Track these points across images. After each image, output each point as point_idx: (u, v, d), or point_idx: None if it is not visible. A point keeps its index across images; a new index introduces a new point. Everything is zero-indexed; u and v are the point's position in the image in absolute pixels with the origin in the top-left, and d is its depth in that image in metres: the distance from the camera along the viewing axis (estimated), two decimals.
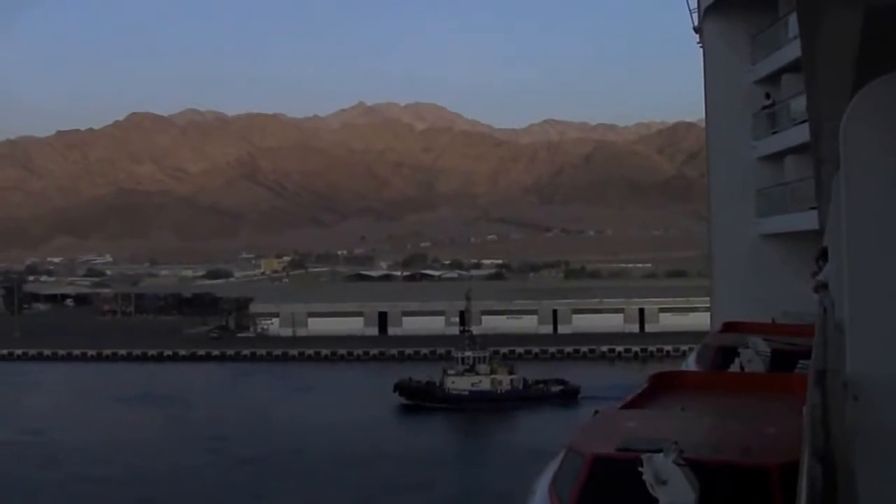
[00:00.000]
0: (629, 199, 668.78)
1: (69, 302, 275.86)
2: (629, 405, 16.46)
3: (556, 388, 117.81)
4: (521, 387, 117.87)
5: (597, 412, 15.26)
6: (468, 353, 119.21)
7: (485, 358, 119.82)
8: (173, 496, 75.80)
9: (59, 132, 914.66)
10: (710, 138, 42.03)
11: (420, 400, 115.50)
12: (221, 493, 76.45)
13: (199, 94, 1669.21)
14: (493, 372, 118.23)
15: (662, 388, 17.94)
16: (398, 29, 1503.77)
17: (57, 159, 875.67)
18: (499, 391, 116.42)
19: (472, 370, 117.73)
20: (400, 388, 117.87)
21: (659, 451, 10.66)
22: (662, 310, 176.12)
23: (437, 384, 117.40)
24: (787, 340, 22.00)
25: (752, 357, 20.61)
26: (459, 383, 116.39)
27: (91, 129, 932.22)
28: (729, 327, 27.61)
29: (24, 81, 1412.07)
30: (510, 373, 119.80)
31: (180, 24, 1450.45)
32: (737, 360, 20.81)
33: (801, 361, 18.50)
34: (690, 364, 24.37)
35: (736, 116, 39.23)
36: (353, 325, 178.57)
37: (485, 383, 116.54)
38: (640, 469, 10.48)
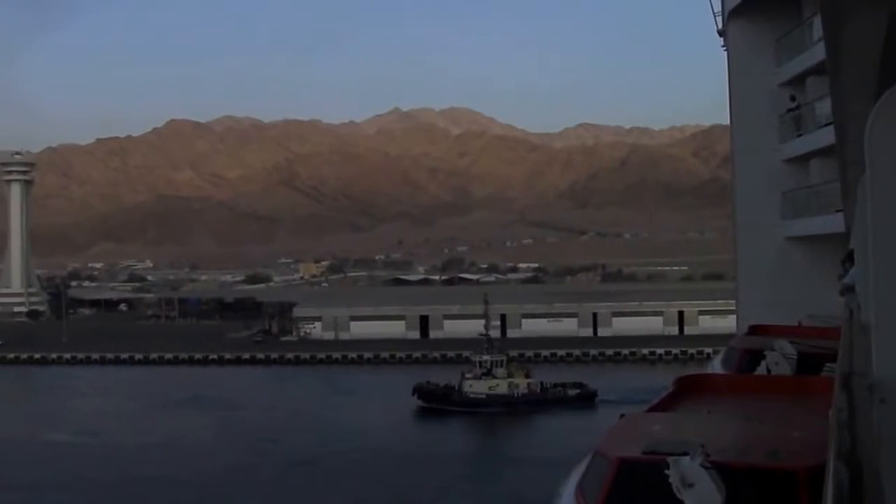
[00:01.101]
0: (664, 202, 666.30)
1: (123, 306, 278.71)
2: (655, 408, 16.39)
3: (573, 392, 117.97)
4: (538, 390, 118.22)
5: (623, 415, 15.17)
6: (486, 357, 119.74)
7: (502, 362, 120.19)
8: (231, 496, 77.75)
9: (98, 139, 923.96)
10: (735, 141, 41.90)
11: (438, 403, 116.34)
12: (278, 493, 78.35)
13: (237, 101, 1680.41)
14: (510, 376, 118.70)
15: (688, 391, 17.89)
16: (433, 34, 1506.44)
17: (97, 166, 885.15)
18: (516, 395, 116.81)
19: (489, 374, 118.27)
20: (418, 391, 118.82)
21: (685, 454, 10.70)
22: (702, 312, 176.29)
23: (455, 388, 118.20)
24: (814, 343, 21.80)
25: (779, 360, 20.58)
26: (477, 387, 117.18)
27: (130, 137, 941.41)
28: (755, 330, 27.43)
29: (64, 89, 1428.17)
30: (527, 376, 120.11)
31: (216, 31, 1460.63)
32: (763, 363, 20.81)
33: (828, 364, 18.50)
34: (716, 367, 24.16)
35: (761, 119, 39.17)
36: (395, 329, 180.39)
37: (502, 387, 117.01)
38: (666, 472, 10.52)
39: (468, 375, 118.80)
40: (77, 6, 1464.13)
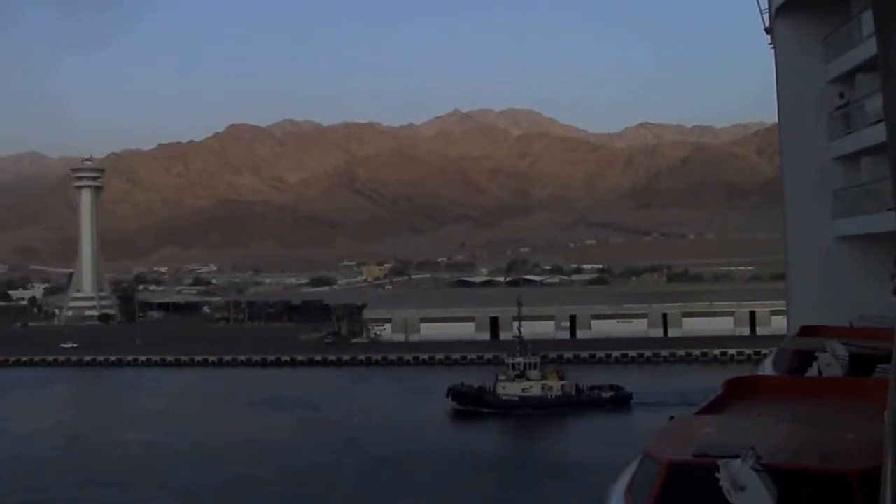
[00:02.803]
0: (728, 201, 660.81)
1: (206, 309, 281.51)
2: (704, 410, 16.07)
3: (607, 395, 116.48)
4: (573, 392, 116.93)
5: (672, 418, 14.89)
6: (519, 359, 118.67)
7: (535, 364, 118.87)
8: (320, 494, 78.36)
9: (160, 145, 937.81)
10: (783, 140, 40.69)
11: (471, 405, 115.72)
12: (366, 491, 78.89)
13: (296, 105, 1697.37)
14: (544, 377, 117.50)
15: (738, 393, 17.52)
16: (492, 36, 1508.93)
17: (160, 171, 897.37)
18: (549, 397, 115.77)
19: (522, 376, 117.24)
20: (453, 393, 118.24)
21: (736, 456, 10.56)
22: (774, 312, 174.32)
23: (489, 389, 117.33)
24: (866, 344, 21.08)
25: (830, 361, 20.09)
26: (510, 389, 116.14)
27: (192, 142, 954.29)
28: (806, 331, 26.45)
29: (127, 96, 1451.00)
30: (561, 378, 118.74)
31: (276, 36, 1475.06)
32: (814, 365, 20.43)
33: (880, 365, 18.24)
34: (767, 368, 23.54)
35: (810, 117, 38.11)
36: (465, 331, 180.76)
37: (535, 389, 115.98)
38: (716, 475, 10.41)
39: (501, 377, 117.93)
40: (137, 15, 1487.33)
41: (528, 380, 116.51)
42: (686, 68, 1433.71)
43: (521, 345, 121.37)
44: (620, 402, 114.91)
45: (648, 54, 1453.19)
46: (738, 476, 10.28)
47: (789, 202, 39.72)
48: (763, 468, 10.38)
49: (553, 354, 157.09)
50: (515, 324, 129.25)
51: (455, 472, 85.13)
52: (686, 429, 13.68)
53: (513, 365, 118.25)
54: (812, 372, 20.25)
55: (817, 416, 14.99)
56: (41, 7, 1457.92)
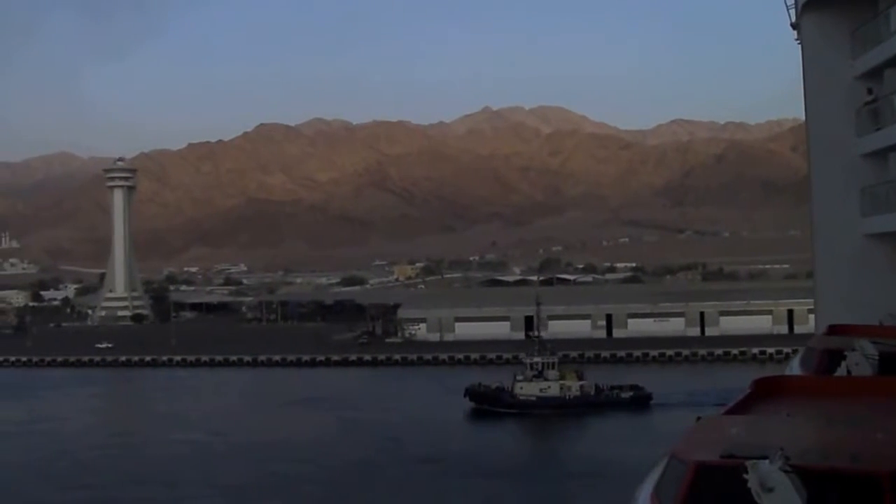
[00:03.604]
0: (763, 199, 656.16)
1: (244, 309, 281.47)
2: (732, 411, 15.92)
3: (626, 395, 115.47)
4: (591, 392, 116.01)
5: (699, 418, 14.67)
6: (537, 359, 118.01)
7: (553, 364, 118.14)
8: (363, 493, 78.22)
9: (190, 144, 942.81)
10: (810, 136, 39.94)
11: (489, 405, 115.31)
12: (411, 490, 78.89)
13: (326, 104, 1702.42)
14: (562, 377, 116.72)
15: (766, 393, 17.37)
16: (522, 34, 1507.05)
17: (189, 171, 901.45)
18: (567, 397, 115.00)
19: (540, 375, 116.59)
20: (470, 393, 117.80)
21: (764, 457, 10.47)
22: (811, 310, 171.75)
23: (506, 389, 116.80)
24: None
25: (860, 360, 19.88)
26: (528, 389, 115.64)
27: (221, 141, 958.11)
28: (834, 330, 26.37)
29: (155, 96, 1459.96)
30: (580, 378, 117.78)
31: (305, 35, 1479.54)
32: (843, 364, 20.12)
33: None
34: (795, 368, 23.35)
35: (837, 113, 37.38)
36: (500, 330, 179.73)
37: (553, 389, 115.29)
38: (745, 476, 10.31)
39: (519, 377, 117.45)
40: (165, 16, 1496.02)
41: (546, 380, 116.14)
42: (718, 64, 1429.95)
43: (540, 344, 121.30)
44: (639, 402, 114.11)
45: (680, 50, 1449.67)
46: (766, 477, 10.22)
47: (817, 199, 39.17)
48: (792, 469, 10.30)
49: (589, 353, 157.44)
50: (538, 323, 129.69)
51: (497, 470, 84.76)
52: (713, 429, 13.62)
53: (531, 365, 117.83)
54: (841, 371, 19.99)
55: (847, 416, 14.79)
56: (69, 10, 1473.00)
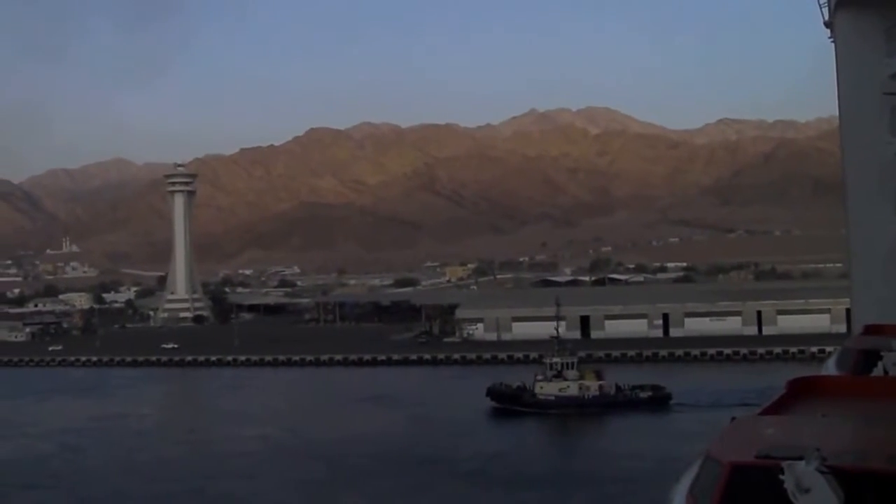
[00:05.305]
0: (814, 197, 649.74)
1: (305, 310, 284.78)
2: (767, 411, 15.88)
3: (645, 395, 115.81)
4: (611, 392, 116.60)
5: (734, 419, 14.77)
6: (556, 359, 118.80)
7: (573, 364, 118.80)
8: (436, 488, 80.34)
9: (242, 149, 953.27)
10: (844, 135, 39.75)
11: (509, 404, 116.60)
12: (480, 485, 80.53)
13: (374, 108, 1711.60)
14: (581, 377, 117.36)
15: (801, 393, 17.37)
16: (567, 35, 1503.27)
17: (242, 175, 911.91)
18: (586, 396, 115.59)
19: (560, 375, 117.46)
20: (491, 392, 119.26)
21: (800, 458, 10.49)
22: None
23: (527, 389, 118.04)
24: None
25: None
26: (548, 388, 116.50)
27: (272, 146, 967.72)
28: (871, 330, 26.10)
29: (207, 103, 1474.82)
30: (599, 378, 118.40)
31: (352, 41, 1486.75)
32: (880, 364, 20.13)
33: None
34: (830, 368, 23.18)
35: (872, 112, 37.18)
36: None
37: (572, 389, 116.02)
38: (780, 477, 10.38)
39: (539, 377, 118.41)
40: (212, 22, 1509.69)
41: (566, 379, 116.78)
42: (765, 62, 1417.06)
43: (560, 344, 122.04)
44: (659, 402, 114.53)
45: (726, 50, 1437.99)
46: (802, 478, 10.25)
47: (851, 198, 39.01)
48: (828, 470, 10.30)
49: (647, 352, 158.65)
50: (555, 323, 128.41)
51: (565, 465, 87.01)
52: (749, 430, 13.61)
53: (551, 365, 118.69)
54: (877, 372, 20.08)
55: (883, 416, 14.69)
56: (120, 21, 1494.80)
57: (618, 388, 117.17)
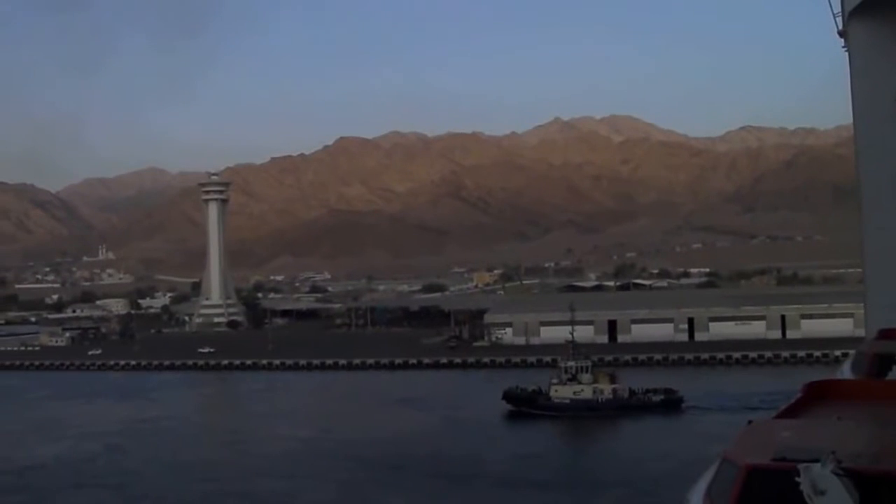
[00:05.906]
0: (835, 203, 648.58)
1: (337, 315, 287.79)
2: (783, 414, 16.03)
3: (657, 398, 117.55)
4: (625, 395, 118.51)
5: (750, 422, 14.84)
6: (571, 363, 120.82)
7: (587, 367, 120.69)
8: (471, 488, 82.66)
9: (273, 159, 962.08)
10: (858, 143, 39.55)
11: (524, 407, 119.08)
12: (515, 482, 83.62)
13: (401, 117, 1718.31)
14: (595, 381, 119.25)
15: (817, 396, 17.48)
16: (590, 45, 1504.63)
17: (272, 184, 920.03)
18: (600, 400, 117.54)
19: (574, 379, 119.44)
20: (507, 395, 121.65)
21: (816, 461, 10.50)
22: None
23: (542, 392, 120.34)
24: None
25: None
26: (562, 392, 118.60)
27: (302, 155, 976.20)
28: (886, 334, 25.93)
29: (239, 113, 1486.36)
30: (613, 381, 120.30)
31: (380, 51, 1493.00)
32: (894, 368, 20.41)
33: None
34: (845, 372, 23.26)
35: (886, 120, 36.79)
36: (583, 333, 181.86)
37: (587, 392, 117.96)
38: (796, 479, 10.39)
39: (554, 381, 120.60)
40: (243, 36, 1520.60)
41: (580, 383, 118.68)
42: (786, 70, 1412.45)
43: (574, 348, 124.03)
44: (671, 405, 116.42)
45: (747, 58, 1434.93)
46: (818, 481, 10.29)
47: (865, 204, 38.94)
48: (844, 473, 10.38)
49: (673, 356, 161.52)
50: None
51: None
52: (765, 433, 13.63)
53: (565, 368, 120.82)
54: (892, 375, 20.34)
55: None
56: (154, 37, 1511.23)
57: (631, 391, 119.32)
